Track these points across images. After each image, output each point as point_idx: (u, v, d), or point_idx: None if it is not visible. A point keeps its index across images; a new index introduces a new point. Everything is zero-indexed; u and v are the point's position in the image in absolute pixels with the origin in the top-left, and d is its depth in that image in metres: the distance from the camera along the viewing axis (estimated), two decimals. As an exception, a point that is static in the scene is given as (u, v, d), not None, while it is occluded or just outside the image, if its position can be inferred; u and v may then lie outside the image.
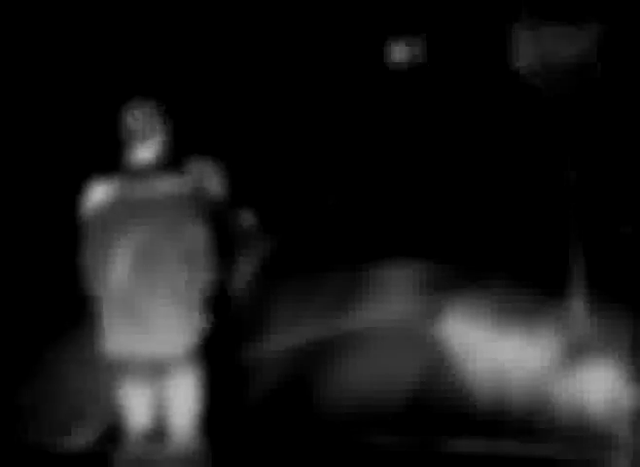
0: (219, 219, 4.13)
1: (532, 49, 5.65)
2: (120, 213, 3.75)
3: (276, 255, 7.66)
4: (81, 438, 4.86)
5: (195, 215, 3.80)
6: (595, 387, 5.18)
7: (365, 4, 9.33)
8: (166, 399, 3.89)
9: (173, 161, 4.40)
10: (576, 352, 5.55)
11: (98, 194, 3.79)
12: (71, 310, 5.61)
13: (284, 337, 6.11)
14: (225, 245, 4.20)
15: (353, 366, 5.66)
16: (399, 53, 9.58)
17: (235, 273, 4.66)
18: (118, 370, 3.86)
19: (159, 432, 3.93)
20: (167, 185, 3.80)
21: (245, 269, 4.76)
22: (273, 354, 5.83)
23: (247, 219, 5.03)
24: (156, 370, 3.83)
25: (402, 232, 8.21)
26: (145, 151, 3.82)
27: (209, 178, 4.57)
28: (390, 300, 6.78)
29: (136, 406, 3.90)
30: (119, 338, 3.76)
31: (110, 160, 4.00)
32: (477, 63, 9.01)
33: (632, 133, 7.98)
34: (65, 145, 7.94)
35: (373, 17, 9.40)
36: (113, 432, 4.34)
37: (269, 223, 6.61)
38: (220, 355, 4.22)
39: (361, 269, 7.35)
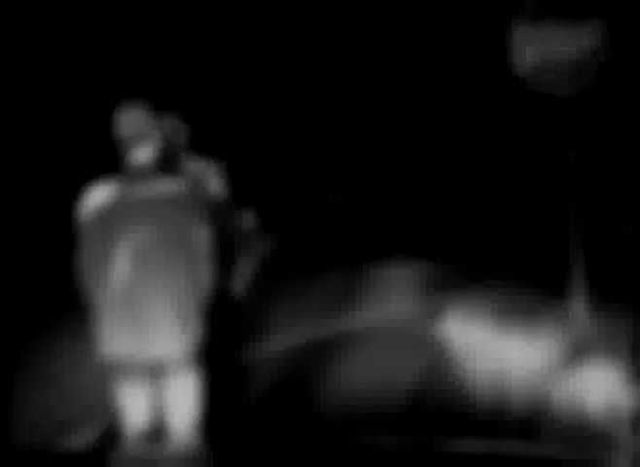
0: (219, 219, 4.13)
1: (532, 48, 5.65)
2: (120, 214, 3.75)
3: (276, 255, 7.67)
4: (81, 438, 4.86)
5: (196, 216, 3.80)
6: (595, 387, 5.18)
7: (363, 4, 9.33)
8: (166, 399, 3.89)
9: (173, 161, 4.40)
10: (576, 352, 5.55)
11: (98, 195, 3.79)
12: (71, 311, 5.62)
13: (284, 337, 6.11)
14: (225, 245, 4.19)
15: (353, 366, 5.67)
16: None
17: (236, 274, 4.66)
18: (117, 370, 3.86)
19: (158, 432, 3.93)
20: (167, 185, 3.80)
21: (245, 270, 4.75)
22: (273, 354, 5.83)
23: (247, 219, 5.03)
24: (155, 370, 3.84)
25: (403, 231, 8.21)
26: (143, 152, 3.82)
27: (209, 178, 4.58)
28: (390, 300, 6.79)
29: (135, 406, 3.90)
30: (118, 338, 3.76)
31: (107, 162, 4.00)
32: (477, 63, 9.01)
33: (632, 133, 7.99)
34: (63, 148, 7.95)
35: (369, 16, 9.40)
36: (112, 432, 4.34)
37: (269, 223, 6.62)
38: (220, 355, 4.22)
39: (361, 269, 7.36)
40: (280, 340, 6.06)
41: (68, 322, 6.01)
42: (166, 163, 3.95)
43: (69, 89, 8.14)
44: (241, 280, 4.72)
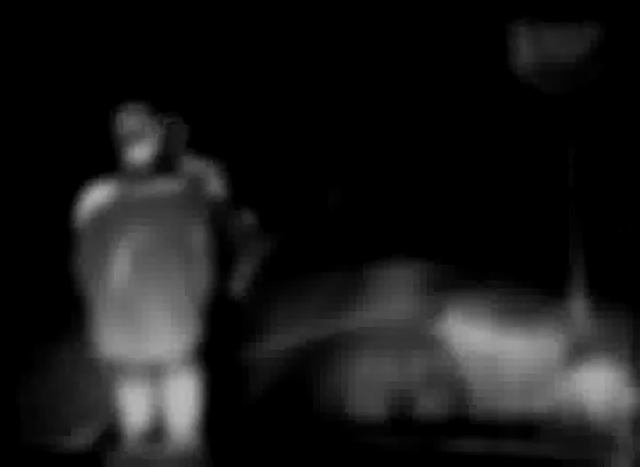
0: (219, 219, 4.13)
1: (532, 49, 5.65)
2: (120, 214, 3.75)
3: (276, 255, 7.66)
4: (81, 438, 4.86)
5: (195, 216, 3.80)
6: (596, 387, 5.18)
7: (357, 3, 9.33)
8: (165, 399, 3.89)
9: (173, 161, 4.40)
10: (576, 352, 5.55)
11: (97, 195, 3.78)
12: (71, 311, 5.61)
13: (284, 337, 6.10)
14: (225, 245, 4.19)
15: (353, 366, 5.66)
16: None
17: (235, 274, 4.66)
18: (117, 371, 3.86)
19: (158, 432, 3.93)
20: (167, 185, 3.80)
21: (245, 270, 4.76)
22: (273, 354, 5.83)
23: (247, 219, 5.03)
24: (154, 370, 3.84)
25: (403, 231, 8.20)
26: (141, 152, 3.82)
27: (209, 178, 4.58)
28: (390, 300, 6.78)
29: (135, 406, 3.90)
30: (117, 338, 3.76)
31: (105, 162, 3.99)
32: (477, 63, 9.01)
33: (632, 133, 7.98)
34: (61, 148, 7.94)
35: (368, 16, 9.40)
36: (112, 432, 4.34)
37: (269, 223, 6.61)
38: (219, 355, 4.22)
39: (361, 269, 7.35)
40: (280, 340, 6.06)
41: (68, 322, 6.00)
42: (166, 163, 3.96)
43: (68, 88, 8.14)
44: (241, 280, 4.72)
